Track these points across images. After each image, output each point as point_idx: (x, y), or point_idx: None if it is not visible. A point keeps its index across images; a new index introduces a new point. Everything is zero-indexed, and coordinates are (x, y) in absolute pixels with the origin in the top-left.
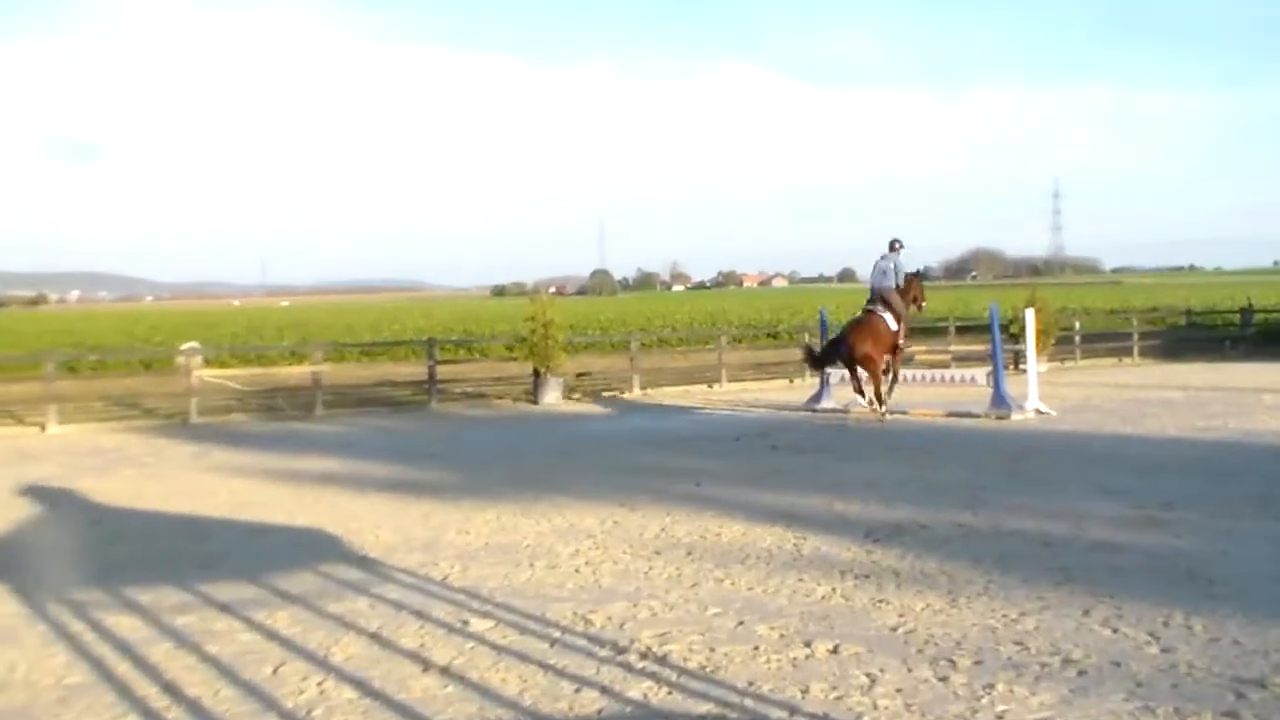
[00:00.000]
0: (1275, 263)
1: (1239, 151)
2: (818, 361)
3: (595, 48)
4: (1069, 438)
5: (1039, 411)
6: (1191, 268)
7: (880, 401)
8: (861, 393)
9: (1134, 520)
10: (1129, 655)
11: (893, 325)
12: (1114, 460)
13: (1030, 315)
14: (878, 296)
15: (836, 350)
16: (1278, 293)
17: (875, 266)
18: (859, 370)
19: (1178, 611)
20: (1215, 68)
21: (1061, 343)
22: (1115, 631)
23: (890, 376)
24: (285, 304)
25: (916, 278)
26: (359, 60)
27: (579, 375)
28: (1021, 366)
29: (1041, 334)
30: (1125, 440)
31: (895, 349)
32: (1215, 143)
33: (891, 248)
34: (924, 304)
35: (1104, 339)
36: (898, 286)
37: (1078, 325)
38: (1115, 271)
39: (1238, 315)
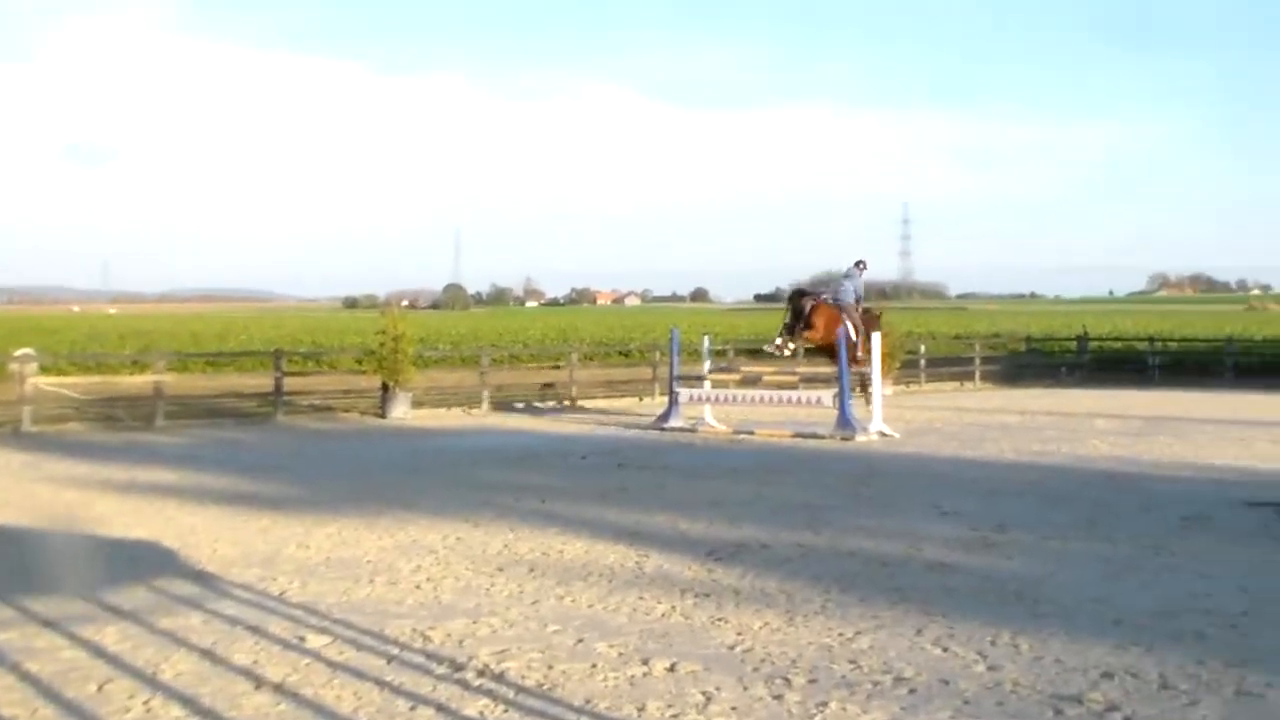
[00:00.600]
0: (1110, 292)
1: (1083, 184)
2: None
3: (445, 57)
4: (910, 460)
5: (883, 434)
6: (1033, 295)
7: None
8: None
9: (969, 542)
10: (958, 673)
11: (852, 336)
12: (952, 483)
13: (876, 339)
14: (839, 306)
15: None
16: (1111, 322)
17: (840, 283)
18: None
19: (1005, 631)
20: (1060, 103)
21: (907, 366)
22: (946, 650)
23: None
24: (113, 311)
25: (877, 317)
26: (202, 61)
27: (428, 389)
28: (868, 389)
29: (887, 357)
30: (964, 463)
31: (853, 356)
32: (1060, 175)
33: (857, 266)
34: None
35: (948, 363)
36: (858, 302)
37: (923, 349)
38: (961, 297)
39: (1074, 343)
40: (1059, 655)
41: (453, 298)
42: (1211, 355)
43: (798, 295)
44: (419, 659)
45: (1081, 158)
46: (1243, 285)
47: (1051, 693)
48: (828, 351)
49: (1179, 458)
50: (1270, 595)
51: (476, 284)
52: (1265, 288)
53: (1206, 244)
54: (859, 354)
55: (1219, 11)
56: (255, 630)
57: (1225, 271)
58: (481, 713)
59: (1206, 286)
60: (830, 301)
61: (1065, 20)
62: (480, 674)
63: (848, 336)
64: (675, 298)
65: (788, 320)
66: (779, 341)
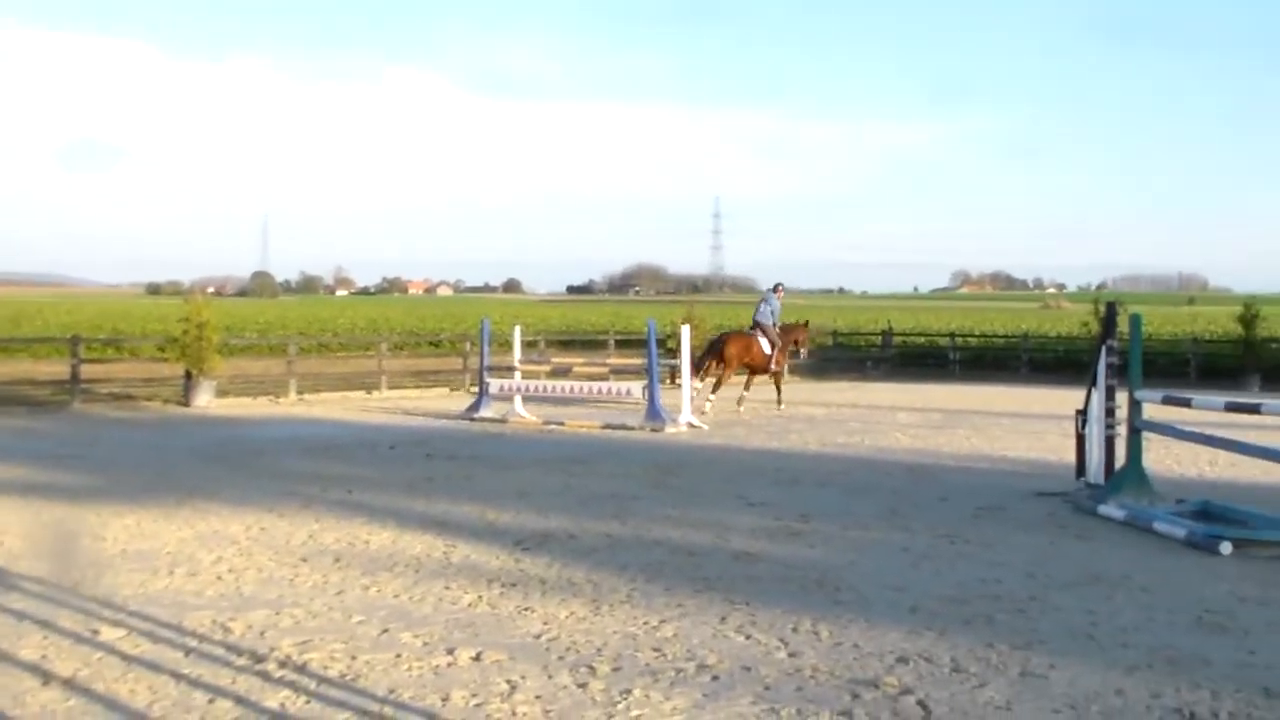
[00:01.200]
0: (916, 289)
1: (890, 182)
2: (696, 365)
3: (250, 40)
4: (718, 451)
5: (691, 425)
6: (841, 291)
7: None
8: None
9: (773, 531)
10: (759, 660)
11: (766, 349)
12: (759, 473)
13: (686, 331)
14: (757, 325)
15: (710, 352)
16: (916, 317)
17: (759, 307)
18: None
19: (807, 618)
20: (867, 100)
21: None
22: (748, 638)
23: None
24: None
25: (804, 327)
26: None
27: (234, 378)
28: (677, 381)
29: (697, 350)
30: (770, 454)
31: (766, 369)
32: (868, 173)
33: (775, 290)
34: (804, 349)
35: None
36: (775, 319)
37: None
38: None
39: (879, 337)
40: (857, 641)
41: (260, 285)
42: (1009, 351)
43: (719, 339)
44: (219, 651)
45: (890, 156)
46: (1039, 284)
47: (849, 677)
48: (751, 370)
49: (976, 450)
50: (1055, 581)
51: (285, 272)
52: (1060, 286)
53: (1006, 243)
54: (773, 366)
55: (1010, 14)
56: (45, 624)
57: (1023, 270)
58: (283, 704)
59: (1006, 284)
60: (747, 329)
61: (872, 20)
62: (282, 665)
63: (762, 351)
64: (488, 288)
65: (699, 358)
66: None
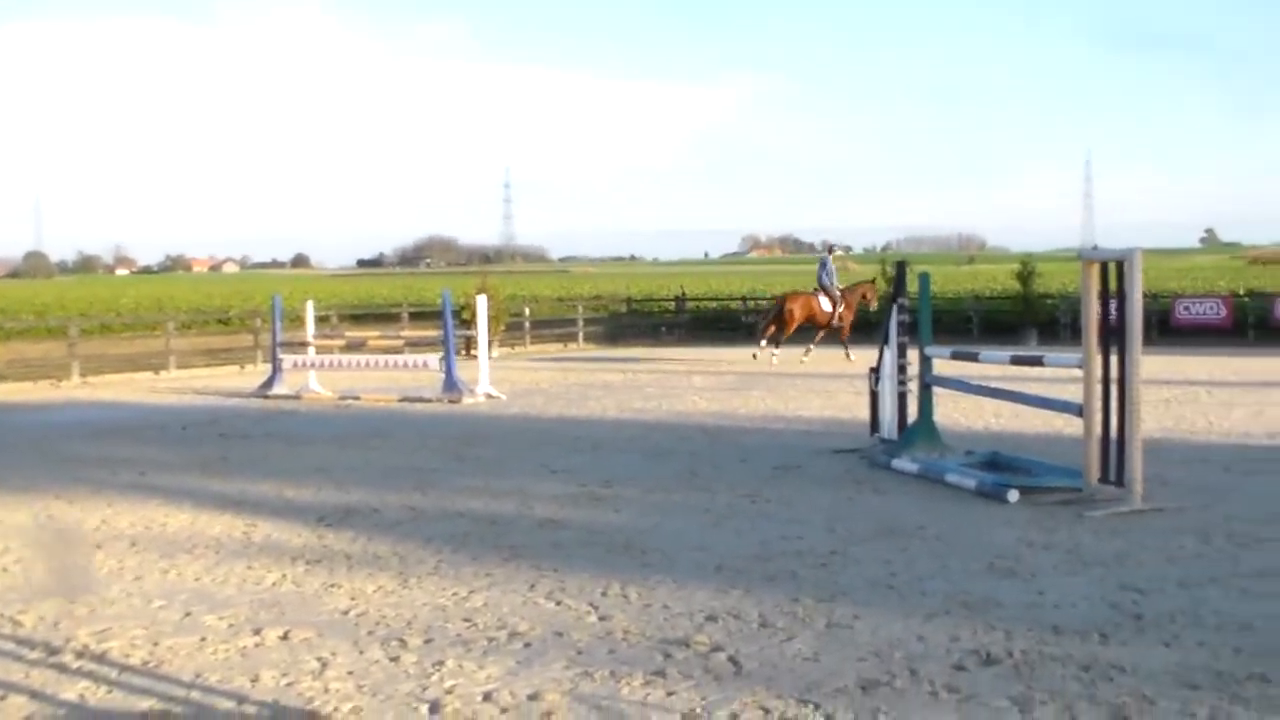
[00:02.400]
0: (706, 254)
1: (679, 149)
2: (763, 326)
3: (14, 10)
4: (518, 420)
5: (490, 395)
6: (633, 258)
7: (775, 345)
8: (775, 342)
9: (577, 497)
10: (570, 625)
11: (826, 307)
12: (559, 441)
13: (482, 302)
14: (820, 288)
15: (773, 313)
16: (707, 283)
17: (819, 269)
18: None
19: (615, 582)
20: (653, 67)
21: (512, 329)
22: (559, 604)
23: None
24: None
25: (872, 284)
26: None
27: (10, 362)
28: (473, 352)
29: (493, 320)
30: (570, 422)
31: (829, 324)
32: (657, 140)
33: (830, 251)
34: (873, 303)
35: (552, 325)
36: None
37: (528, 312)
38: (563, 261)
39: (673, 303)
40: (666, 602)
41: (34, 266)
42: None
43: (781, 299)
44: (9, 645)
45: (676, 123)
46: (826, 246)
47: (660, 638)
48: (816, 326)
49: (771, 410)
50: (854, 535)
51: (61, 252)
52: (847, 248)
53: (793, 207)
54: (835, 322)
55: None
56: None
57: (811, 233)
58: (81, 696)
59: (794, 248)
60: (809, 290)
61: None
62: (79, 655)
63: (822, 309)
64: (275, 264)
65: (768, 319)
66: (763, 345)
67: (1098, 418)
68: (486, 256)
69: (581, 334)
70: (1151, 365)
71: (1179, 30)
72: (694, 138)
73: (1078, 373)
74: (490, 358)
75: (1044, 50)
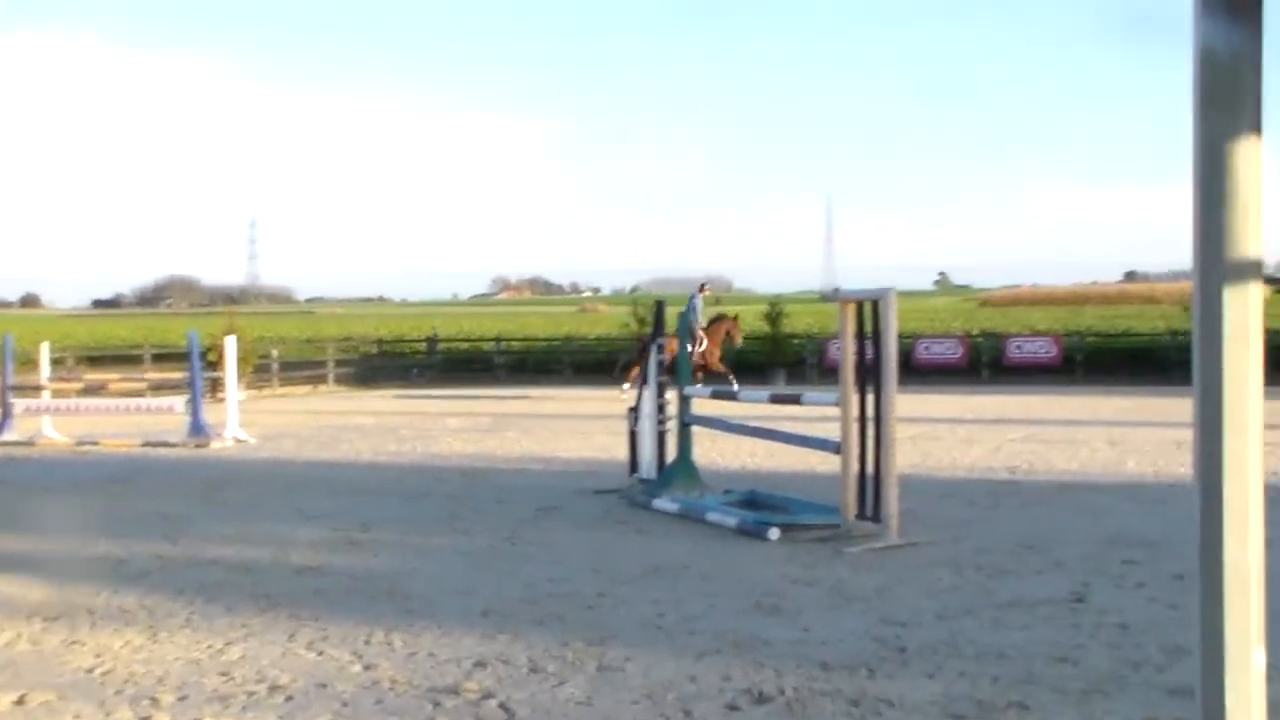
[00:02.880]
0: (455, 295)
1: (431, 188)
2: (627, 369)
3: None
4: (269, 464)
5: (238, 439)
6: (381, 299)
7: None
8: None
9: (334, 543)
10: (334, 676)
11: (688, 347)
12: (313, 485)
13: (231, 343)
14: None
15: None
16: (458, 324)
17: (690, 303)
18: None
19: (379, 629)
20: (393, 99)
21: (259, 371)
22: (320, 654)
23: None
24: None
25: (735, 320)
26: None
27: None
28: (220, 395)
29: (240, 362)
30: (323, 465)
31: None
32: (403, 179)
33: (700, 290)
34: (738, 338)
35: (300, 367)
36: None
37: (275, 354)
38: (309, 301)
39: (424, 344)
40: (432, 649)
41: None
42: (552, 354)
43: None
44: None
45: (424, 162)
46: (575, 288)
47: (429, 686)
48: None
49: (528, 451)
50: (620, 576)
51: None
52: (596, 290)
53: (543, 248)
54: (703, 360)
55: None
56: None
57: (560, 274)
58: None
59: (544, 289)
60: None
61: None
62: None
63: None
64: (3, 303)
65: (630, 359)
66: (627, 387)
67: (855, 455)
68: (231, 297)
69: (332, 376)
70: (897, 403)
71: (911, 72)
72: (442, 177)
73: (834, 411)
74: (238, 400)
75: (785, 93)
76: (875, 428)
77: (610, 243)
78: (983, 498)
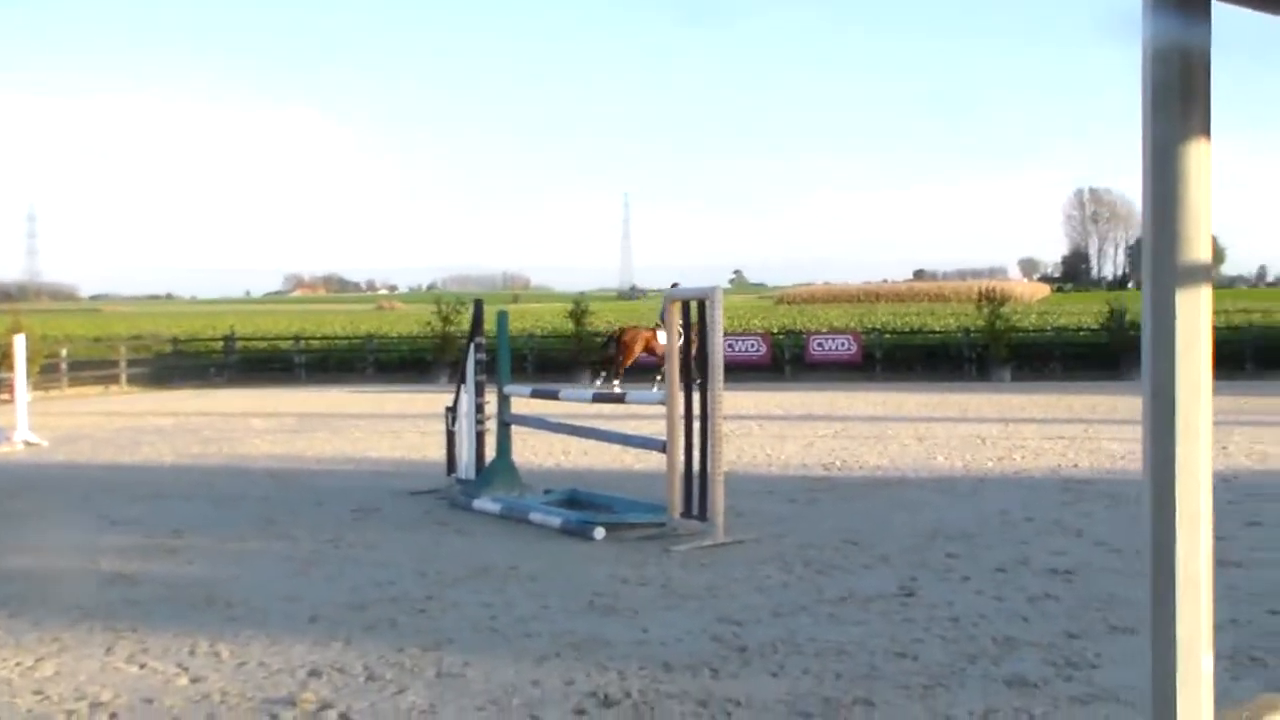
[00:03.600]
0: (248, 292)
1: (220, 182)
2: (602, 362)
3: None
4: (65, 469)
5: (29, 443)
6: (170, 296)
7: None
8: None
9: (147, 549)
10: (160, 690)
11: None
12: (116, 490)
13: (20, 341)
14: (661, 320)
15: (610, 345)
16: (254, 322)
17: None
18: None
19: (202, 639)
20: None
21: (46, 371)
22: (143, 667)
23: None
24: None
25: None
26: None
27: None
28: (6, 396)
29: (29, 362)
30: (125, 469)
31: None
32: (193, 172)
33: (672, 286)
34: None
35: (90, 367)
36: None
37: (64, 353)
38: (94, 298)
39: (222, 343)
40: (262, 659)
41: None
42: (353, 353)
43: (619, 332)
44: None
45: (213, 155)
46: (371, 285)
47: (263, 698)
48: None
49: (339, 452)
50: (447, 579)
51: None
52: (392, 287)
53: (338, 245)
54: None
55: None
56: None
57: (355, 273)
58: None
59: (339, 286)
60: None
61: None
62: None
63: (660, 344)
64: None
65: (610, 354)
66: (604, 380)
67: (681, 453)
68: (8, 293)
69: (124, 376)
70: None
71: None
72: (232, 172)
73: (660, 409)
74: (26, 401)
75: (583, 91)
76: (701, 425)
77: (406, 240)
78: (801, 494)
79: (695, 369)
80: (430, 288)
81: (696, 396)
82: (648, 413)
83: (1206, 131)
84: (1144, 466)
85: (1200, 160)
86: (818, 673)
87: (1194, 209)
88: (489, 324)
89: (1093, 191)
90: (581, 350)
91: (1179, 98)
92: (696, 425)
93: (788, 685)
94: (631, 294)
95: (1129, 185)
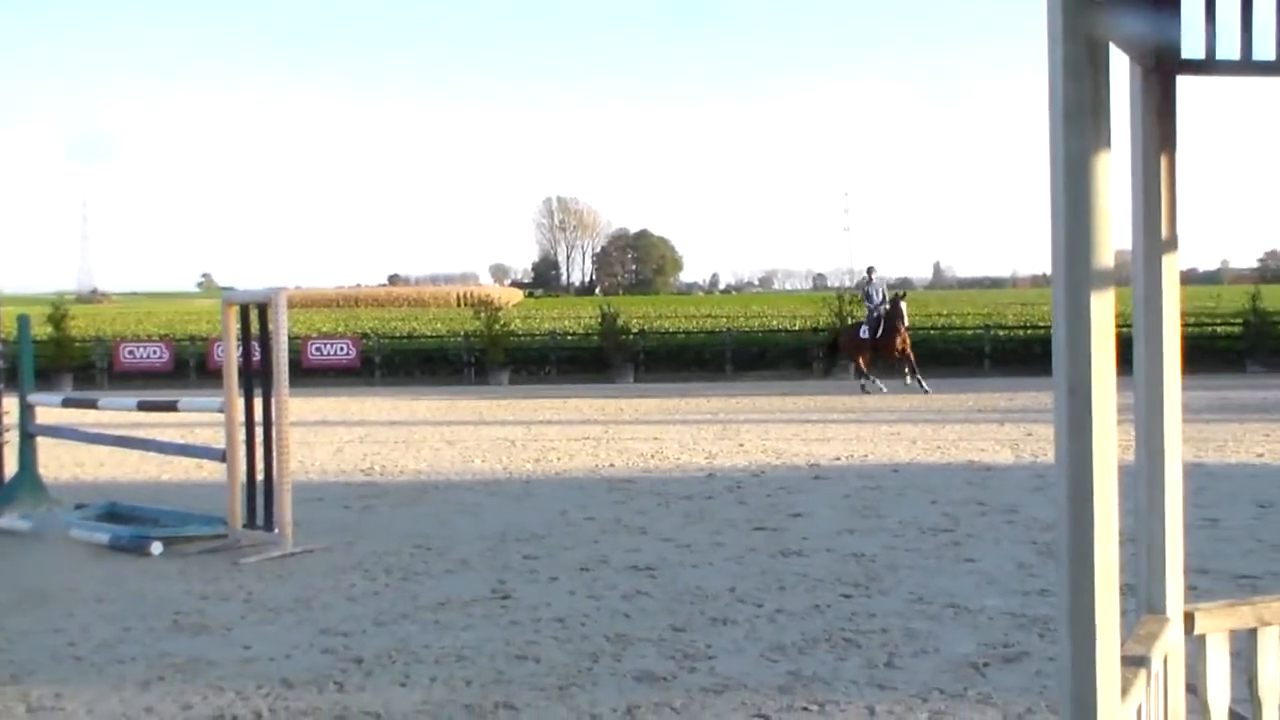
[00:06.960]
0: None
1: None
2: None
3: None
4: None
5: None
6: None
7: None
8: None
9: None
10: None
11: (864, 335)
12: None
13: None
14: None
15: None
16: None
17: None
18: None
19: None
20: None
21: None
22: None
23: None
24: None
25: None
26: None
27: None
28: None
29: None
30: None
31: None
32: None
33: (867, 272)
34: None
35: None
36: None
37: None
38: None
39: None
40: None
41: None
42: None
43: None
44: None
45: None
46: None
47: None
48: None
49: None
50: (2, 606)
51: None
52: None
53: None
54: (902, 347)
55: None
56: None
57: None
58: None
59: None
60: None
61: None
62: None
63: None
64: None
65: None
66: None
67: (241, 461)
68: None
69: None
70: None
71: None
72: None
73: (219, 416)
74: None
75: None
76: (265, 432)
77: None
78: (353, 500)
79: (256, 379)
80: None
81: (259, 402)
82: (205, 420)
83: (1108, 144)
84: (1058, 458)
85: (1105, 172)
86: (446, 680)
87: (1102, 218)
88: (9, 328)
89: (560, 200)
90: (62, 355)
91: (1089, 115)
92: (260, 432)
93: (421, 694)
94: (235, 295)
95: (592, 195)
